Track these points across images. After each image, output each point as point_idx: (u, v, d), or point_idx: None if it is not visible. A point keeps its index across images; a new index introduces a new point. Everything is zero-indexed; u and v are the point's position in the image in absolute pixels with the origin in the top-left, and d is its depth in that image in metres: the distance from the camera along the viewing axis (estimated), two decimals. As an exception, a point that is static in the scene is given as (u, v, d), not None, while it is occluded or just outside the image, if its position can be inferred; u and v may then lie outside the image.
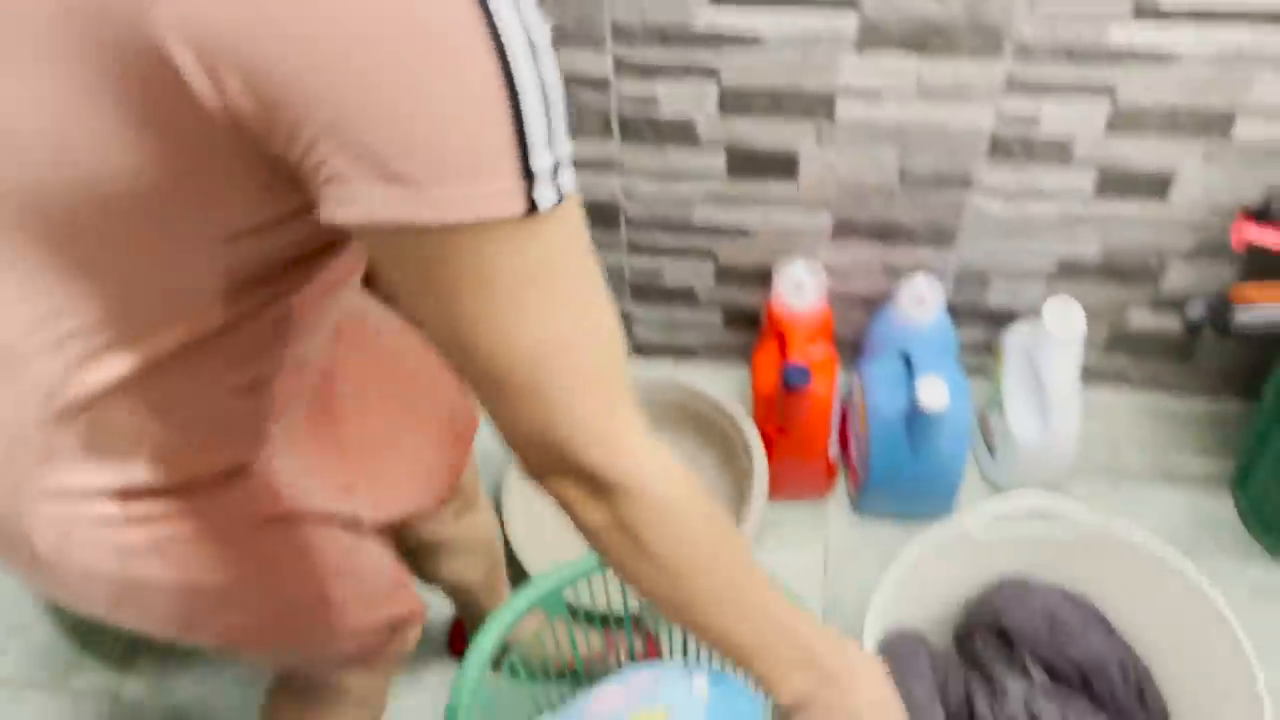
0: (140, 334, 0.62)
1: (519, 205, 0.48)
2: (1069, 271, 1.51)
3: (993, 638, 1.24)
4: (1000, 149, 1.36)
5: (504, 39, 0.46)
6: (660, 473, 0.60)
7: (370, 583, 0.92)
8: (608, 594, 1.18)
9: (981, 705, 1.16)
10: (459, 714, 1.04)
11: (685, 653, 1.31)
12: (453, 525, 1.16)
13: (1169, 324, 1.55)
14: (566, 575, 1.15)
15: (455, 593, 1.27)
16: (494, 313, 0.52)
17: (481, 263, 0.50)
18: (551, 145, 0.49)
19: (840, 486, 1.61)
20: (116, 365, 0.63)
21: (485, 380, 0.55)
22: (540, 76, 0.48)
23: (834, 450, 1.56)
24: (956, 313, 1.54)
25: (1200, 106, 1.28)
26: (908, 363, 1.44)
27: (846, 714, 0.70)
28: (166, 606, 0.77)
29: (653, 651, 1.35)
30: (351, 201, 0.48)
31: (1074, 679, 1.20)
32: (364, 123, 0.46)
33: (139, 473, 0.70)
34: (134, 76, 0.49)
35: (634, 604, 1.24)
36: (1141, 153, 1.34)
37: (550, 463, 0.58)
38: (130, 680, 1.44)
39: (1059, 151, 1.35)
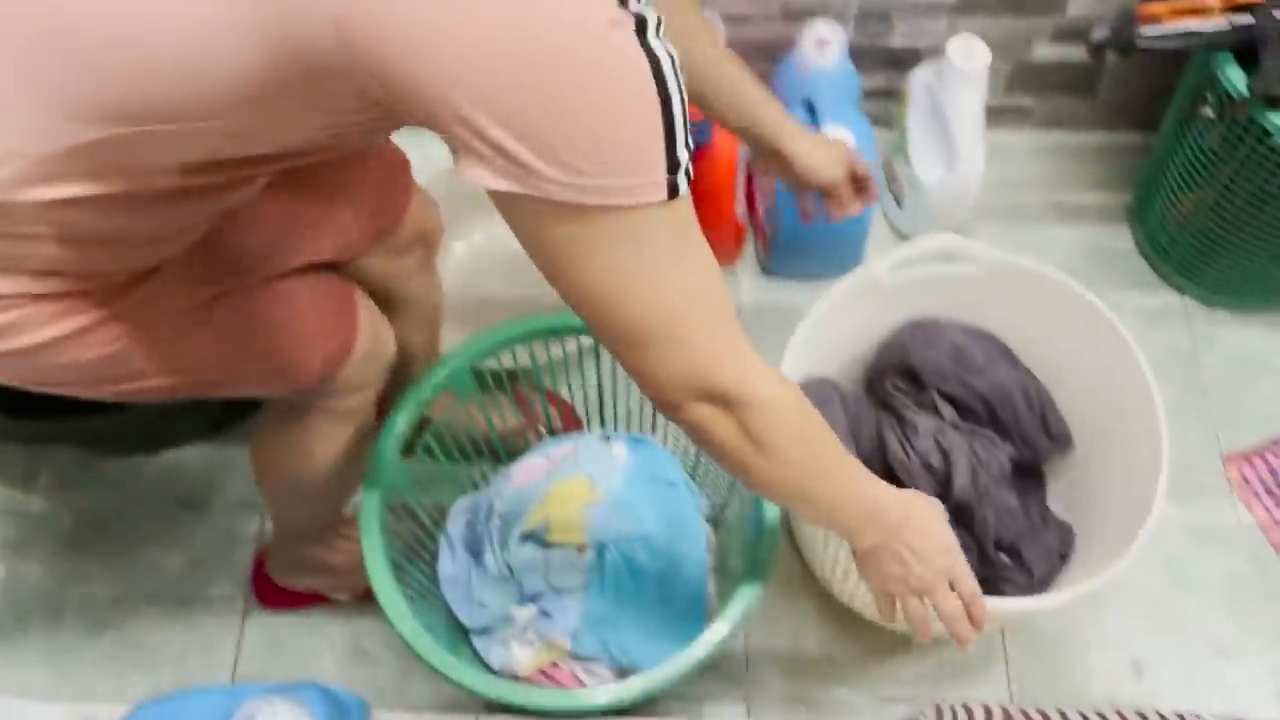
0: (90, 174, 0.64)
1: (664, 193, 0.58)
2: (972, 5, 1.45)
3: (902, 378, 1.26)
4: None
5: (657, 60, 0.56)
6: (772, 384, 0.72)
7: (296, 327, 0.90)
8: (515, 359, 1.16)
9: (893, 443, 1.19)
10: (376, 503, 1.03)
11: (603, 422, 1.31)
12: (414, 278, 1.13)
13: (1072, 54, 1.52)
14: (472, 352, 1.12)
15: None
16: (637, 280, 0.62)
17: (626, 237, 0.60)
18: (687, 142, 0.59)
19: (749, 250, 1.59)
20: (46, 192, 0.65)
21: (628, 336, 0.66)
22: (680, 87, 0.57)
23: (741, 211, 1.53)
24: (859, 57, 1.48)
25: None
26: (811, 111, 1.39)
27: (908, 551, 0.84)
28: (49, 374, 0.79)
29: (571, 423, 1.35)
30: (523, 180, 0.56)
31: (981, 411, 1.23)
32: (545, 126, 0.54)
33: (13, 284, 0.71)
34: (301, 52, 0.56)
35: (545, 369, 1.23)
36: None
37: (687, 393, 0.69)
38: (35, 496, 1.40)
39: None
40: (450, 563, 1.20)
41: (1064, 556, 1.21)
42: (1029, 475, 1.29)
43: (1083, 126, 1.66)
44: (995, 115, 1.59)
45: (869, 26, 1.48)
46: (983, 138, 1.43)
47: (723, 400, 0.70)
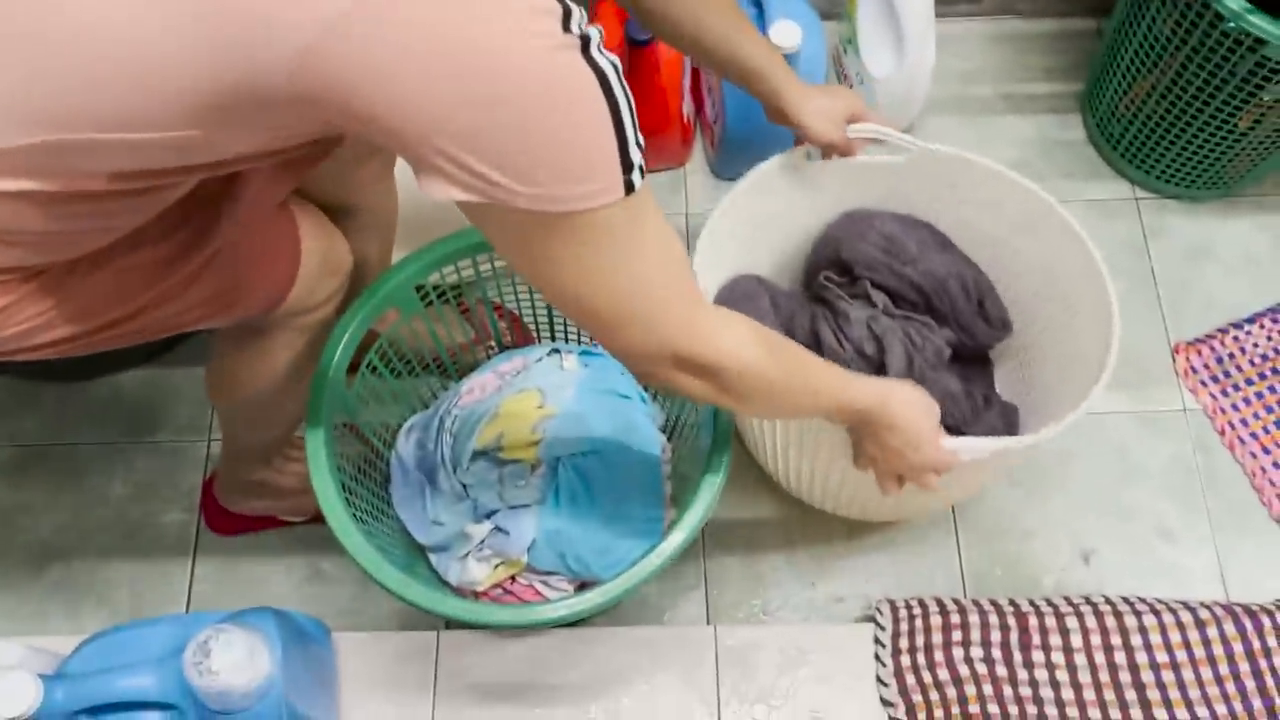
0: (12, 172, 0.64)
1: (621, 192, 0.62)
2: (921, -112, 1.40)
3: (835, 271, 1.24)
4: None
5: (604, 75, 0.59)
6: (738, 342, 0.77)
7: (235, 265, 0.88)
8: (459, 274, 1.13)
9: (827, 334, 1.17)
10: (321, 424, 1.01)
11: (554, 336, 1.29)
12: (370, 187, 1.10)
13: (1023, -61, 1.48)
14: (414, 267, 1.09)
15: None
16: (603, 273, 0.67)
17: (590, 236, 0.64)
18: (638, 141, 0.62)
19: (699, 154, 1.55)
20: None
21: (596, 318, 0.70)
22: (626, 93, 0.61)
23: (688, 110, 1.48)
24: (806, -54, 1.43)
25: None
26: (759, 7, 1.35)
27: (879, 442, 0.92)
28: None
29: (521, 337, 1.33)
30: (489, 194, 0.60)
31: (916, 300, 1.21)
32: (509, 149, 0.58)
33: None
34: (257, 86, 0.57)
35: (491, 282, 1.20)
36: None
37: (660, 364, 0.74)
38: (-31, 432, 1.37)
39: None
40: (403, 483, 1.18)
41: (1010, 435, 1.21)
42: (974, 361, 1.28)
43: (1034, 13, 1.63)
44: (946, 3, 1.55)
45: (815, -88, 1.43)
46: (933, 29, 1.40)
47: (694, 367, 0.75)
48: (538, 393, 1.18)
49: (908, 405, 0.91)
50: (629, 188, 0.63)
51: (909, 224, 1.23)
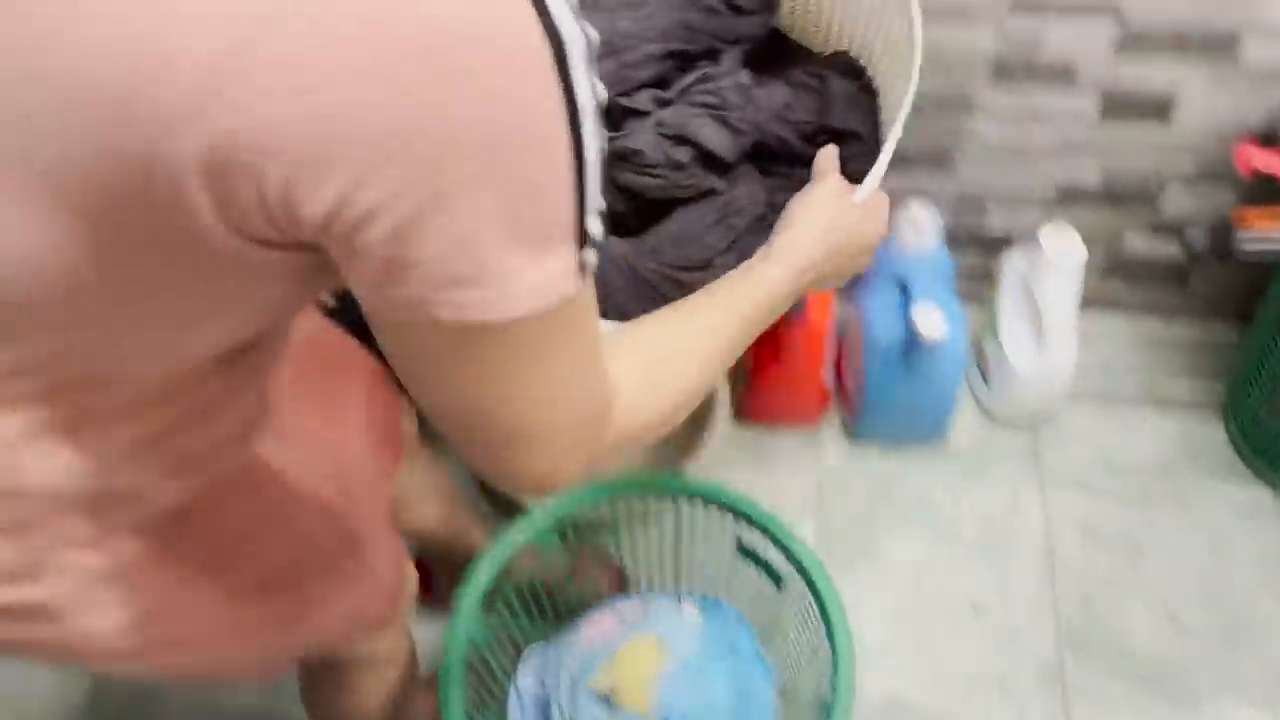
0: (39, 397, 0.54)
1: (575, 284, 0.46)
2: (1067, 196, 1.48)
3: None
4: (1002, 71, 1.32)
5: (579, 108, 0.41)
6: (640, 404, 0.60)
7: (369, 581, 0.88)
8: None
9: (636, 180, 0.99)
10: (453, 661, 1.05)
11: (666, 579, 1.31)
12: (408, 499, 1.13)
13: (1166, 249, 1.54)
14: (561, 510, 1.14)
15: (417, 539, 1.26)
16: (523, 377, 0.49)
17: (521, 339, 0.47)
18: (598, 208, 0.45)
19: (833, 413, 1.61)
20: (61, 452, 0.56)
21: (502, 433, 0.52)
22: (601, 138, 0.44)
23: (828, 378, 1.55)
24: (953, 239, 1.52)
25: (1206, 26, 1.24)
26: (904, 291, 1.42)
27: (831, 270, 0.80)
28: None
29: (616, 584, 1.36)
30: (404, 305, 0.44)
31: (670, 67, 1.05)
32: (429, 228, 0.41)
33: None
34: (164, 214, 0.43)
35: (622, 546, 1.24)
36: (1145, 75, 1.31)
37: (567, 474, 0.56)
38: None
39: (1062, 74, 1.32)
40: (520, 717, 1.20)
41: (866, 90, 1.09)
42: (771, 56, 1.13)
43: (1176, 316, 1.66)
44: (1087, 300, 1.60)
45: (964, 212, 1.53)
46: (1075, 327, 1.44)
47: (599, 450, 0.58)
48: (656, 640, 1.19)
49: (825, 237, 0.78)
50: (582, 268, 0.46)
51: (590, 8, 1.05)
